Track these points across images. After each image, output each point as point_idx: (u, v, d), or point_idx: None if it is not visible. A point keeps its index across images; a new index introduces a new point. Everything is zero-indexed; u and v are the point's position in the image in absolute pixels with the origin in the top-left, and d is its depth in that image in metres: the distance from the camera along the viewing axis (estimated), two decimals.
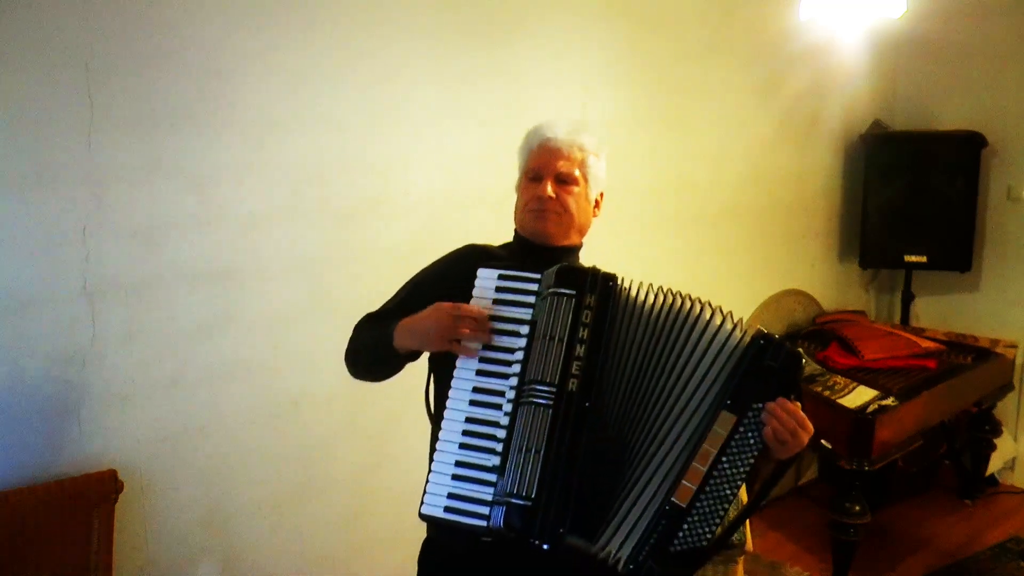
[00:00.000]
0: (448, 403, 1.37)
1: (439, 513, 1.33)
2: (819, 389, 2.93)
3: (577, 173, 1.52)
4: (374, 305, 1.61)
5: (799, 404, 1.30)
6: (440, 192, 2.48)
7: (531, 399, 1.29)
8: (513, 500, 1.27)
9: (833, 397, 2.85)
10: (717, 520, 1.29)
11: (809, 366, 3.16)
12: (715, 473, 1.27)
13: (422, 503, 1.35)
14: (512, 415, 1.31)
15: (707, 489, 1.27)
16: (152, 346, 2.00)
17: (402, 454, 2.49)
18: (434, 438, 1.46)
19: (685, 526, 1.28)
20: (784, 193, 3.72)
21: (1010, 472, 3.93)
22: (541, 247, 1.54)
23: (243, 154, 2.09)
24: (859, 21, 3.16)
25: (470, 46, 2.49)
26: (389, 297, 1.62)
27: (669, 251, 3.21)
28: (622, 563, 1.29)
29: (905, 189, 3.84)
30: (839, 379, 3.02)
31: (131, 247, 1.94)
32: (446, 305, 1.36)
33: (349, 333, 1.60)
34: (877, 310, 4.38)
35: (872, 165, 3.92)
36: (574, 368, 1.29)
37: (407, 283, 1.62)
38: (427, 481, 1.37)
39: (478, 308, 1.36)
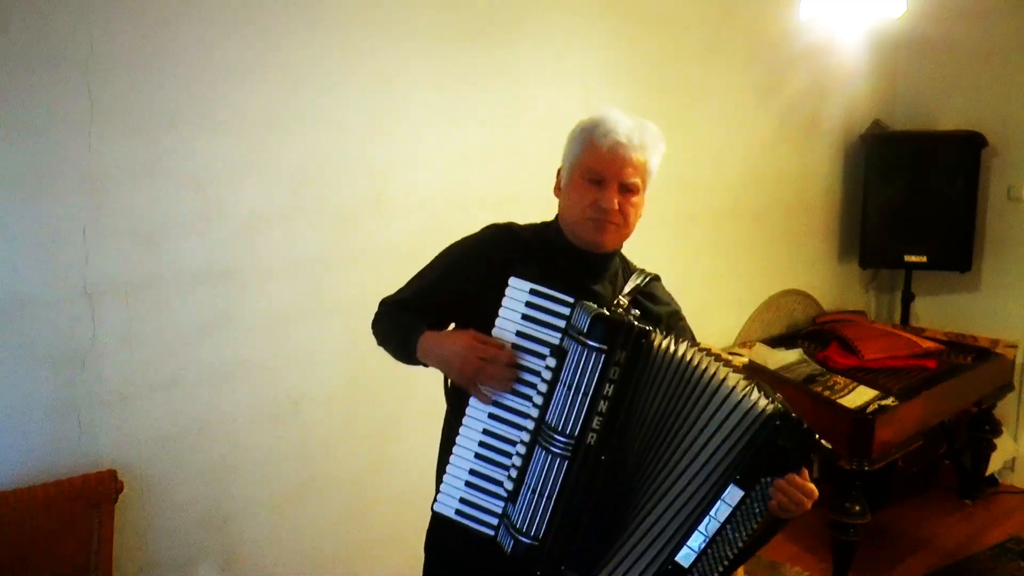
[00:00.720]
0: (468, 410, 1.40)
1: (450, 513, 1.41)
2: (819, 389, 2.92)
3: (639, 181, 1.48)
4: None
5: (807, 473, 1.31)
6: (440, 192, 2.48)
7: (549, 446, 1.32)
8: (521, 538, 1.33)
9: (833, 397, 2.85)
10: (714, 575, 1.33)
11: (809, 366, 3.16)
12: (717, 539, 1.30)
13: (435, 500, 1.42)
14: (529, 447, 1.34)
15: (708, 552, 1.31)
16: (152, 346, 2.00)
17: (402, 454, 2.49)
18: (448, 421, 1.52)
19: None
20: (784, 193, 3.72)
21: (1010, 472, 3.92)
22: (583, 251, 1.51)
23: (243, 154, 2.09)
24: (859, 21, 3.16)
25: (470, 46, 2.49)
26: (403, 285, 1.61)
27: (669, 251, 3.21)
28: None
29: (905, 189, 3.83)
30: (839, 379, 3.02)
31: (131, 247, 1.94)
32: (471, 344, 1.36)
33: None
34: (877, 310, 4.38)
35: (872, 165, 3.91)
36: (595, 423, 1.31)
37: (433, 268, 1.58)
38: (440, 480, 1.41)
39: (502, 348, 1.35)
